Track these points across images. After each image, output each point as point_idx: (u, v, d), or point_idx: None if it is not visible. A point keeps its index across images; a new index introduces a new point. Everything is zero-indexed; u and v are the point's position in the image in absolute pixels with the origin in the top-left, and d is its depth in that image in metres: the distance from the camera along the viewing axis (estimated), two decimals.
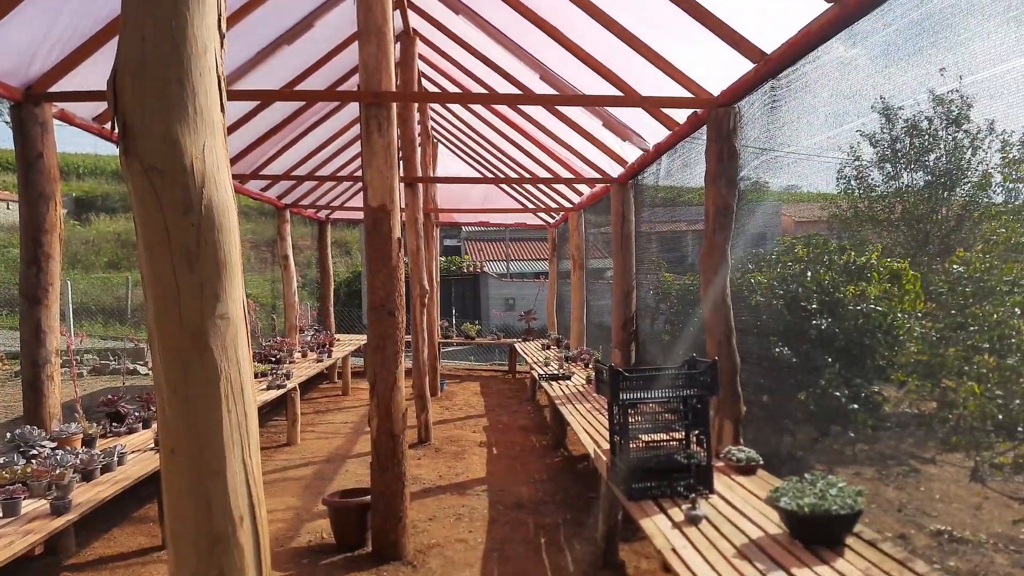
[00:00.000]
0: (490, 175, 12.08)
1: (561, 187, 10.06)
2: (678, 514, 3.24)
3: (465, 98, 7.98)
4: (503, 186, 12.72)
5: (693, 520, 3.11)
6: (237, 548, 1.35)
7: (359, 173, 11.36)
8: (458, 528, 5.11)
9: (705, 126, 4.41)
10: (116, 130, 1.31)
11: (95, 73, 4.58)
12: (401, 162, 9.76)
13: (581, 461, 6.95)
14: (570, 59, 5.36)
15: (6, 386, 11.46)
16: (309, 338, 10.68)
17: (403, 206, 7.67)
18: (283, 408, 8.26)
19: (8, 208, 37.61)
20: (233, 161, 7.68)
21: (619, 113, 5.96)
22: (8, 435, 4.21)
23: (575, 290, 10.28)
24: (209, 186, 1.34)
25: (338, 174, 10.43)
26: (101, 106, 5.06)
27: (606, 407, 6.04)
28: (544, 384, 7.77)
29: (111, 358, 13.46)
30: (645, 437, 3.69)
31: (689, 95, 4.45)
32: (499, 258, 30.64)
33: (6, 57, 3.98)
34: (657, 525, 3.14)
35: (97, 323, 21.64)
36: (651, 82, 4.85)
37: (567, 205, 10.52)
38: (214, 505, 1.33)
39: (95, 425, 4.83)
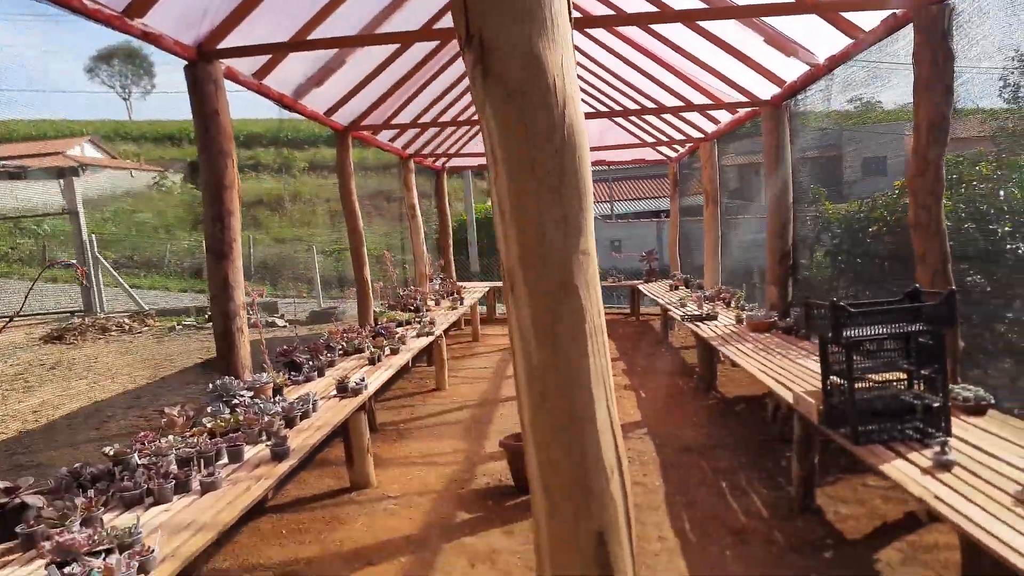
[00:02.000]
0: (605, 109, 11.60)
1: (691, 116, 9.51)
2: (921, 459, 2.98)
3: (618, 20, 7.48)
4: (619, 120, 12.20)
5: (945, 465, 2.84)
6: (612, 503, 1.24)
7: (475, 118, 11.21)
8: (631, 471, 5.03)
9: (912, 26, 3.91)
10: (466, 48, 1.16)
11: (254, 30, 4.57)
12: None
13: (737, 404, 6.71)
14: None
15: (163, 342, 12.34)
16: (437, 286, 10.82)
17: None
18: (424, 355, 8.45)
19: (132, 176, 40.23)
20: (368, 112, 7.69)
21: (779, 24, 5.45)
22: (210, 385, 4.42)
23: (708, 227, 9.83)
24: (570, 108, 1.18)
25: (458, 119, 10.30)
26: (259, 62, 5.08)
27: (790, 347, 5.74)
28: (689, 325, 7.52)
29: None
30: (871, 377, 3.41)
31: None
32: (601, 199, 30.00)
33: (180, 16, 4.01)
34: (902, 471, 2.90)
35: None
36: None
37: (696, 135, 9.99)
38: (587, 457, 1.23)
39: (279, 374, 5.02)
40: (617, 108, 11.14)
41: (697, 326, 7.33)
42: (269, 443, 3.65)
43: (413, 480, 5.07)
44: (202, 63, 4.27)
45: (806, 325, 3.53)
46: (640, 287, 11.89)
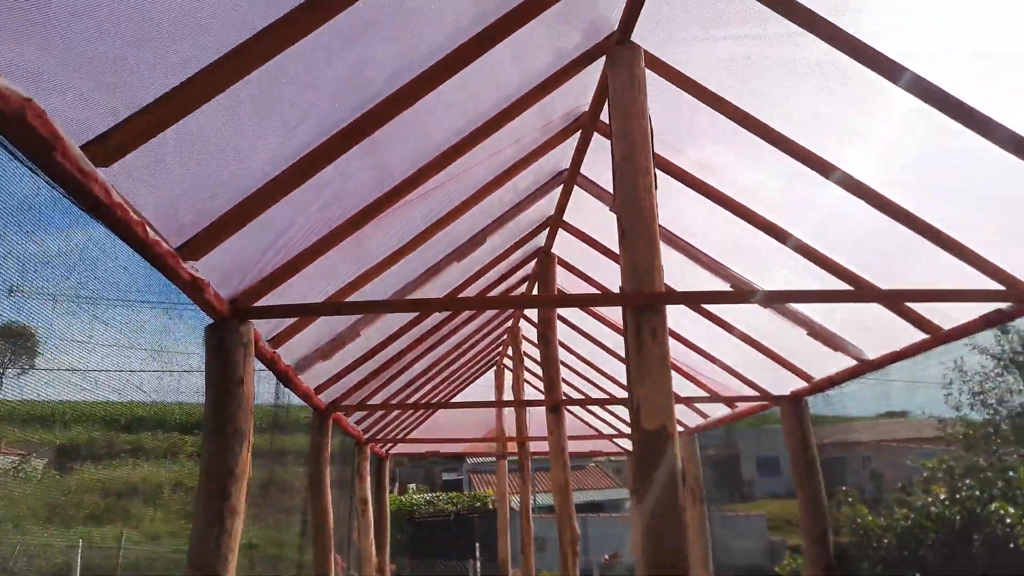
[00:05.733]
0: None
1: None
2: None
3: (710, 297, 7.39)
4: (571, 408, 11.76)
5: None
6: None
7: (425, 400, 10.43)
8: None
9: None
10: None
11: (288, 292, 3.93)
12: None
13: None
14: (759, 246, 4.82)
15: None
16: None
17: (548, 433, 6.79)
18: None
19: None
20: (349, 393, 6.83)
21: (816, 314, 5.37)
22: None
23: (697, 529, 8.96)
24: None
25: (427, 401, 9.56)
26: (279, 327, 4.34)
27: None
28: None
29: None
30: None
31: (996, 286, 3.85)
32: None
33: (228, 266, 3.31)
34: None
35: None
36: (904, 270, 4.33)
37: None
38: None
39: None
40: (575, 396, 10.72)
41: None
42: None
43: None
44: (234, 321, 3.47)
45: None
46: None
